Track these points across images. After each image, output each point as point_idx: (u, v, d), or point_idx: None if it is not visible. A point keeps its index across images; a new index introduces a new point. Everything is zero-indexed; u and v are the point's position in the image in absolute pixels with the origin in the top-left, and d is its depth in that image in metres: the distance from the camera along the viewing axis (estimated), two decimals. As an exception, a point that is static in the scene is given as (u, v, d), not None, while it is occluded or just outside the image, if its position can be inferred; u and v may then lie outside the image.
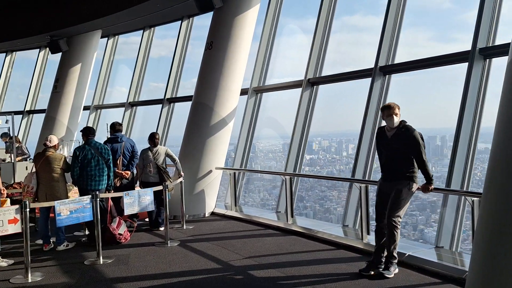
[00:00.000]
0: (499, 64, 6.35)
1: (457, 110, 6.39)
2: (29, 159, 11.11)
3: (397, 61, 7.68)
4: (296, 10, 10.76)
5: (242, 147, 9.93)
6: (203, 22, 11.78)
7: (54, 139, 6.90)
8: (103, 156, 6.84)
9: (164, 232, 6.96)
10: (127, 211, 6.51)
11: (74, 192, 7.63)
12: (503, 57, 6.34)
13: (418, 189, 5.03)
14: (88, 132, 6.98)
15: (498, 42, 6.37)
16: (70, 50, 13.32)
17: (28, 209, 5.40)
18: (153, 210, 7.30)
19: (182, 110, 11.48)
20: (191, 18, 12.07)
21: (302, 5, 10.92)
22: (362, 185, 6.38)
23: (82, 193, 6.75)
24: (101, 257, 5.99)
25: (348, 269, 5.39)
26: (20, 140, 12.78)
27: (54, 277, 5.48)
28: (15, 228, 5.35)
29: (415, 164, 4.91)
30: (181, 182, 8.02)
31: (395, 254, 5.05)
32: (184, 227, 7.88)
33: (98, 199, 6.09)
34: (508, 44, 4.40)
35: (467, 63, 6.43)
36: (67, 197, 6.60)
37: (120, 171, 7.55)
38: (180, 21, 12.12)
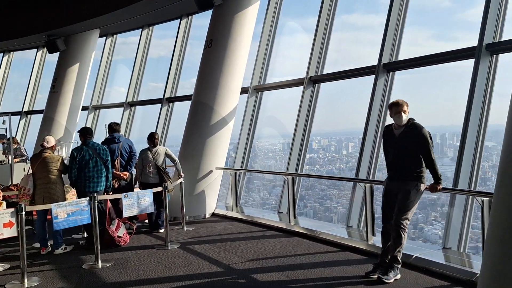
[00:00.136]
0: (506, 60, 6.21)
1: (459, 107, 6.27)
2: (28, 160, 10.96)
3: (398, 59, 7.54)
4: (296, 9, 10.68)
5: (242, 146, 9.78)
6: (202, 22, 11.70)
7: (51, 140, 6.74)
8: (101, 157, 6.68)
9: (164, 234, 6.80)
10: (126, 213, 6.36)
11: (72, 194, 7.47)
12: (511, 53, 6.19)
13: (426, 189, 4.87)
14: (85, 133, 6.81)
15: (505, 37, 6.21)
16: (68, 50, 13.16)
17: (23, 212, 5.24)
18: (152, 211, 7.14)
19: (182, 110, 11.38)
20: (190, 17, 11.92)
21: (302, 4, 10.86)
22: (366, 185, 6.23)
23: (80, 195, 6.59)
24: (99, 261, 5.84)
25: (354, 271, 5.23)
26: (18, 141, 12.64)
27: (51, 282, 5.33)
28: (11, 232, 5.20)
29: (423, 163, 4.75)
30: (181, 182, 7.87)
31: (399, 258, 4.88)
32: (185, 228, 7.73)
33: (96, 201, 5.93)
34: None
35: (473, 59, 6.28)
36: (64, 199, 6.45)
37: (118, 172, 7.39)
38: (179, 20, 11.98)
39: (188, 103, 9.49)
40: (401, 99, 4.78)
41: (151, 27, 13.04)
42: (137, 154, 7.74)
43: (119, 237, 6.72)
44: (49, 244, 6.60)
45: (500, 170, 3.44)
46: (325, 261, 5.72)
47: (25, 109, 15.94)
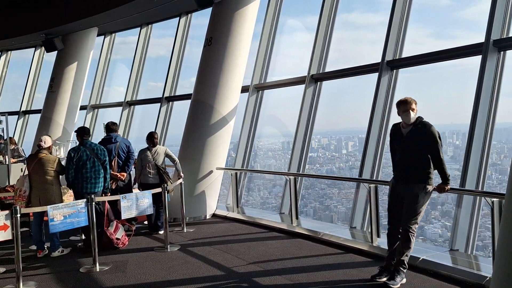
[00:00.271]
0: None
1: (459, 106, 6.16)
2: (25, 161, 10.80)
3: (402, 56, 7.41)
4: (296, 7, 10.56)
5: (243, 146, 9.63)
6: (201, 21, 11.55)
7: (48, 140, 6.59)
8: (99, 157, 6.52)
9: (164, 236, 6.65)
10: (125, 215, 6.21)
11: (69, 195, 7.31)
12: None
13: (434, 189, 4.71)
14: (82, 132, 6.65)
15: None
16: (65, 49, 12.99)
17: (19, 215, 5.09)
18: (152, 213, 6.98)
19: (181, 109, 11.24)
20: (189, 15, 11.76)
21: (302, 2, 10.76)
22: (371, 185, 6.07)
23: (77, 197, 6.43)
24: (97, 264, 5.68)
25: (360, 275, 5.08)
26: (16, 142, 12.49)
27: (47, 285, 5.18)
28: (5, 235, 5.06)
29: (431, 163, 4.59)
30: (181, 183, 7.71)
31: (406, 262, 4.73)
32: (185, 230, 7.58)
33: (93, 203, 5.78)
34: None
35: (480, 56, 6.13)
36: (61, 201, 6.29)
37: (115, 173, 7.23)
38: (178, 18, 11.82)
39: (187, 102, 9.34)
40: (410, 97, 4.61)
41: (150, 26, 12.88)
42: (135, 154, 7.59)
43: (117, 239, 6.57)
44: (46, 246, 6.45)
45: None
46: (329, 264, 5.56)
47: (23, 108, 15.79)
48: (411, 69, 7.52)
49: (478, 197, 5.77)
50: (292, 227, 7.28)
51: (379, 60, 7.44)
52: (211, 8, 9.22)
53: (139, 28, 12.89)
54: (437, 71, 7.45)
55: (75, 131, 6.81)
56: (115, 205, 6.94)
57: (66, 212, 5.54)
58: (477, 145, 5.89)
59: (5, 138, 10.28)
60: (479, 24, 7.20)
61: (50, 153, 6.68)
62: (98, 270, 5.61)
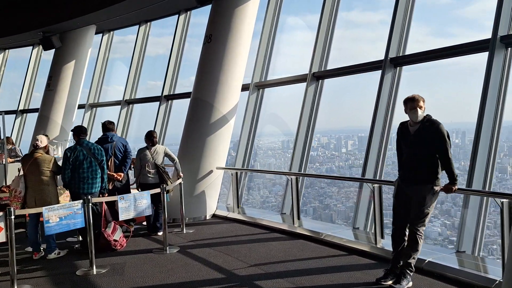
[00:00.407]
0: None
1: (458, 105, 6.03)
2: (23, 161, 10.64)
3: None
4: (297, 5, 10.46)
5: (243, 145, 9.48)
6: (200, 20, 11.41)
7: (44, 140, 6.43)
8: (96, 157, 6.37)
9: (163, 237, 6.49)
10: (122, 217, 6.05)
11: (65, 196, 7.15)
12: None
13: (441, 190, 4.56)
14: (79, 132, 6.49)
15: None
16: (63, 47, 12.84)
17: (13, 217, 4.94)
18: (150, 214, 6.82)
19: (181, 108, 11.10)
20: (188, 12, 11.61)
21: (303, 0, 10.65)
22: (375, 185, 5.92)
23: (74, 197, 6.27)
24: (94, 267, 5.53)
25: (364, 278, 4.93)
26: (13, 142, 12.34)
27: (42, 290, 5.03)
28: (-1, 238, 4.90)
29: (439, 163, 4.44)
30: (180, 183, 7.56)
31: (413, 265, 4.59)
32: (184, 231, 7.42)
33: (90, 204, 5.62)
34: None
35: (487, 53, 5.98)
36: (57, 202, 6.13)
37: (112, 173, 7.07)
38: (177, 15, 11.66)
39: (187, 101, 9.18)
40: (418, 94, 4.46)
41: (148, 23, 12.74)
42: (132, 153, 7.43)
43: (115, 240, 6.42)
44: (42, 248, 6.30)
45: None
46: (332, 266, 5.42)
47: (21, 107, 15.64)
48: (410, 67, 7.40)
49: (485, 198, 5.62)
50: (294, 227, 7.14)
51: (379, 58, 7.30)
52: (210, 5, 9.07)
53: (137, 26, 12.74)
54: (437, 69, 7.37)
55: (72, 130, 6.65)
56: (112, 205, 6.79)
57: (62, 213, 5.38)
58: (484, 143, 5.74)
59: (1, 137, 10.14)
60: (480, 22, 7.12)
61: (47, 152, 6.53)
62: (95, 273, 5.46)
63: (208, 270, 5.45)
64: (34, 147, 6.32)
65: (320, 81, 8.52)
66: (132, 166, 7.64)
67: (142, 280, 5.16)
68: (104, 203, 6.53)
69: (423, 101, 4.45)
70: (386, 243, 5.75)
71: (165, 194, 6.62)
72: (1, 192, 7.58)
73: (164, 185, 6.70)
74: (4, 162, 9.81)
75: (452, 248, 6.52)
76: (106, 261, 5.91)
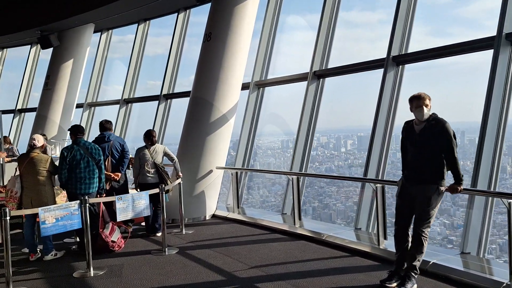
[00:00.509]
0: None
1: (459, 104, 5.92)
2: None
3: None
4: (297, 5, 10.38)
5: (243, 144, 9.37)
6: (200, 19, 11.30)
7: (41, 139, 6.30)
8: (93, 156, 6.25)
9: (162, 238, 6.38)
10: (120, 217, 5.93)
11: (62, 196, 7.04)
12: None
13: (446, 190, 4.45)
14: (76, 131, 6.37)
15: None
16: (61, 45, 12.73)
17: (8, 217, 4.83)
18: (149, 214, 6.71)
19: (180, 107, 10.98)
20: (187, 10, 11.51)
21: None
22: (378, 185, 5.81)
23: (71, 198, 6.15)
24: (91, 268, 5.41)
25: (367, 280, 4.83)
26: (11, 141, 12.24)
27: (38, 292, 4.92)
28: (-6, 239, 4.79)
29: (445, 163, 4.34)
30: (179, 183, 7.45)
31: (418, 268, 4.49)
32: (183, 232, 7.31)
33: (87, 205, 5.50)
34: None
35: (490, 51, 5.88)
36: (54, 203, 6.01)
37: (109, 173, 6.96)
38: (176, 14, 11.55)
39: (186, 100, 9.06)
40: (423, 92, 4.35)
41: (147, 22, 12.63)
42: (129, 153, 7.32)
43: (113, 242, 6.30)
44: (38, 249, 6.19)
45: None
46: (334, 268, 5.31)
47: (19, 107, 15.52)
48: (411, 67, 7.29)
49: (490, 198, 5.52)
50: (295, 228, 7.03)
51: (379, 58, 7.21)
52: (210, 3, 8.96)
53: (136, 25, 12.63)
54: (437, 68, 7.29)
55: (69, 130, 6.53)
56: (110, 206, 6.68)
57: (59, 214, 5.26)
58: (489, 143, 5.63)
59: (-1, 137, 10.05)
60: (480, 22, 7.02)
61: (44, 152, 6.42)
62: (92, 275, 5.35)
63: (207, 271, 5.34)
64: (31, 146, 6.20)
65: (321, 79, 8.41)
66: (130, 165, 7.53)
67: (140, 282, 5.05)
68: (102, 204, 6.41)
69: (429, 99, 4.34)
70: (389, 244, 5.65)
71: (164, 194, 6.52)
72: (-3, 192, 7.44)
73: (163, 185, 6.59)
74: (1, 162, 9.71)
75: (452, 247, 6.44)
76: (103, 262, 5.80)
